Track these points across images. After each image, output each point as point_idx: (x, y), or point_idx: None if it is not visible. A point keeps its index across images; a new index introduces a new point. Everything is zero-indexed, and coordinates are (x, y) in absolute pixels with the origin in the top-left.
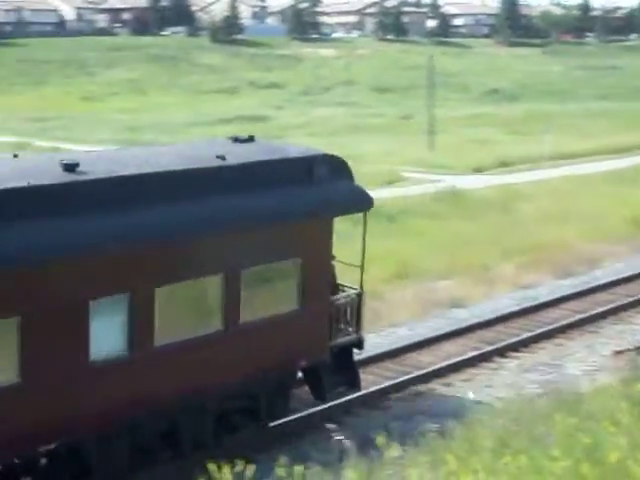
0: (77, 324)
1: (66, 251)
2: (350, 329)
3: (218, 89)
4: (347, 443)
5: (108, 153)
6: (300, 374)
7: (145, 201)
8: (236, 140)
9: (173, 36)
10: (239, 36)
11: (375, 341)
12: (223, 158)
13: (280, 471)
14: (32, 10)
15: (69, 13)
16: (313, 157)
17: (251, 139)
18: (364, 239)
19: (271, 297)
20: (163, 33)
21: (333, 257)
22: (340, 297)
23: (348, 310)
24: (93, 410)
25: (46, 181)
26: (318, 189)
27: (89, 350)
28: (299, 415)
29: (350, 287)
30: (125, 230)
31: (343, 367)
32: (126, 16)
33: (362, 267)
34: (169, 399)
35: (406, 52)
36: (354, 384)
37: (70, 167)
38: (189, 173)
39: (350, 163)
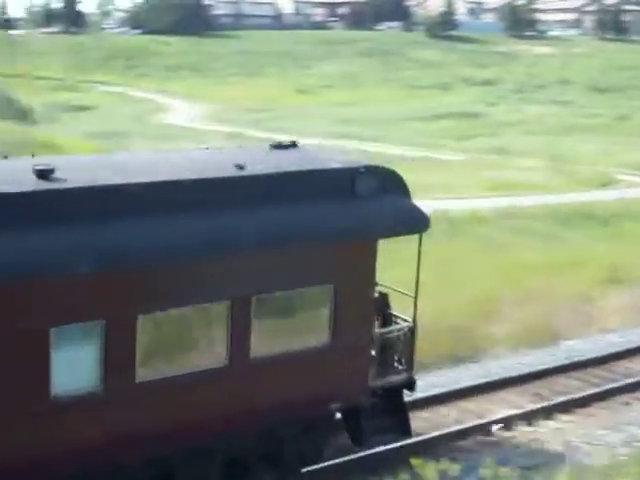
0: (35, 354)
1: (24, 270)
2: (400, 367)
3: (431, 84)
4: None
5: (106, 159)
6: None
7: (128, 214)
8: (275, 147)
9: (388, 31)
10: (454, 32)
11: (584, 347)
12: (241, 167)
13: (485, 472)
14: (251, 3)
15: (286, 6)
16: (356, 169)
17: (293, 146)
18: (418, 266)
19: (294, 329)
20: (378, 28)
21: (376, 284)
22: (387, 331)
23: (398, 346)
24: (58, 452)
25: (9, 189)
26: (359, 205)
27: (50, 383)
28: (500, 417)
29: (404, 319)
30: (100, 247)
31: (392, 410)
32: (342, 10)
33: (416, 297)
34: (157, 442)
35: (625, 51)
36: (404, 430)
37: (43, 174)
38: (190, 184)
39: (565, 163)
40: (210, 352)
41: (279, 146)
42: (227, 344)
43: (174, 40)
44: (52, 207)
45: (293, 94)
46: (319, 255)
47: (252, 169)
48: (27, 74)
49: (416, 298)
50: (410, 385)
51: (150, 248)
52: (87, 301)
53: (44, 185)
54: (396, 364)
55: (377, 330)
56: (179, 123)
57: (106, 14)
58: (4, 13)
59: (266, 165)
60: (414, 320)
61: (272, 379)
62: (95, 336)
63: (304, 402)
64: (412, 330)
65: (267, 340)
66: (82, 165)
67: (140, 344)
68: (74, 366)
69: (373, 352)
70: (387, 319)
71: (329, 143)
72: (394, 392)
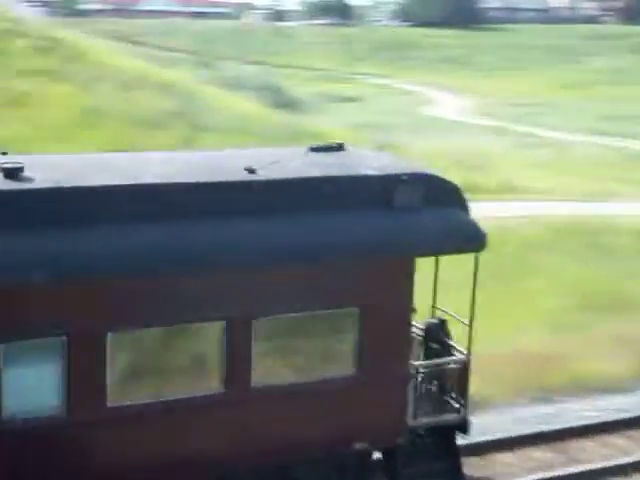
0: None
1: None
2: (454, 406)
3: None
4: None
5: (93, 158)
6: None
7: (101, 219)
8: (315, 149)
9: None
10: None
11: None
12: (251, 171)
13: None
14: None
15: (557, 0)
16: (397, 176)
17: (338, 148)
18: (474, 290)
19: (310, 357)
20: None
21: (414, 310)
22: (430, 363)
23: (451, 381)
24: (10, 478)
25: None
26: (396, 218)
27: (0, 405)
28: None
29: (460, 351)
30: (60, 254)
31: (443, 453)
32: (616, 4)
33: (471, 325)
34: (132, 474)
35: None
36: (454, 477)
37: (11, 173)
38: (180, 187)
39: None
40: (201, 377)
41: (320, 148)
42: (222, 369)
43: (441, 33)
44: (14, 209)
45: (558, 89)
46: (342, 274)
47: (265, 174)
48: (296, 65)
49: (471, 326)
50: (464, 427)
51: (120, 257)
52: (45, 315)
53: (8, 185)
54: (449, 401)
55: (419, 362)
56: (443, 116)
57: (376, 7)
58: (277, 5)
59: (286, 170)
60: (468, 351)
61: (280, 412)
62: (56, 354)
63: (321, 440)
64: (465, 363)
65: (275, 368)
66: (60, 164)
67: (112, 365)
68: (31, 387)
69: (416, 387)
70: (446, 349)
71: (588, 139)
72: (445, 432)
